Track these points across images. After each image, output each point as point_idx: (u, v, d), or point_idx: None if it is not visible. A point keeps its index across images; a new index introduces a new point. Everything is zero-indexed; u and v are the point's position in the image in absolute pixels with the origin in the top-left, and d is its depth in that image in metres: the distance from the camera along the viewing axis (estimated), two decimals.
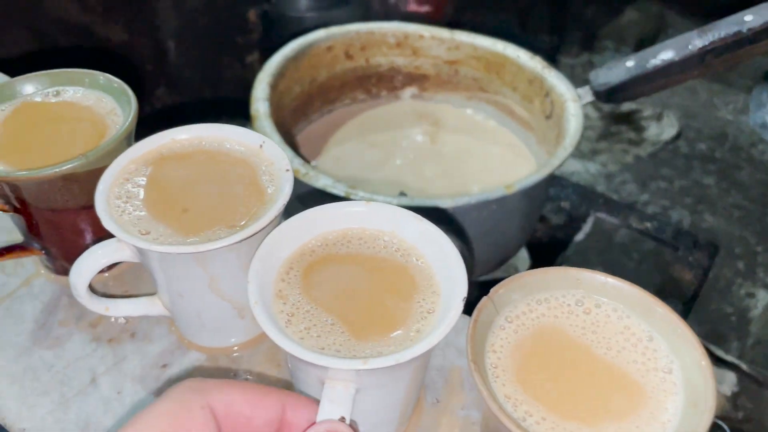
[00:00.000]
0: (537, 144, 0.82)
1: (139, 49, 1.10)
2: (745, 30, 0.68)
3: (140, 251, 0.35)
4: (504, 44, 0.83)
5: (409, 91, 0.92)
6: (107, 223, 0.33)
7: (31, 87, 0.42)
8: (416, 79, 0.91)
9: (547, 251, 0.83)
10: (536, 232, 0.83)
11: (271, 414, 0.27)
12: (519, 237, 0.78)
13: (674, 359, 0.30)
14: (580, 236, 0.82)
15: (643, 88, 0.73)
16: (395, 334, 0.30)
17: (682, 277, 0.81)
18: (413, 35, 0.87)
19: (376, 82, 0.91)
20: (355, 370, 0.28)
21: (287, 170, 0.37)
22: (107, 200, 0.35)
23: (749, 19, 0.66)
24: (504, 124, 0.87)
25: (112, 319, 0.42)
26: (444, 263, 0.32)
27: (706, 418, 0.27)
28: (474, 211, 0.67)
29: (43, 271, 0.44)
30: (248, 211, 0.35)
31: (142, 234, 0.34)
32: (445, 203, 0.65)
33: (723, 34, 0.69)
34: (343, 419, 0.28)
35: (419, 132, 0.90)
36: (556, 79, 0.77)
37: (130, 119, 0.39)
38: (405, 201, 0.66)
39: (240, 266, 0.36)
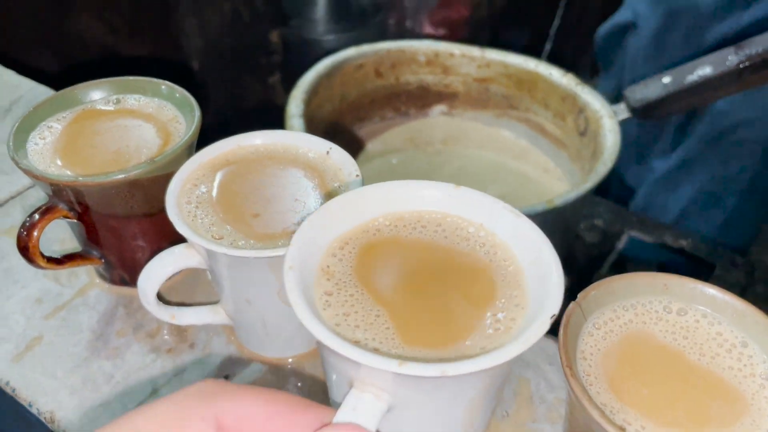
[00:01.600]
0: (570, 161, 0.82)
1: (163, 69, 1.11)
2: None
3: (211, 256, 0.34)
4: (536, 62, 0.83)
5: (438, 108, 0.92)
6: (180, 228, 0.33)
7: (91, 94, 0.42)
8: (446, 97, 0.91)
9: (581, 270, 0.82)
10: (570, 250, 0.82)
11: None
12: None
13: None
14: (614, 255, 0.81)
15: (679, 105, 0.73)
16: (454, 346, 0.24)
17: None
18: (444, 53, 0.87)
19: (405, 100, 0.92)
20: (391, 372, 0.22)
21: (357, 175, 0.36)
22: (178, 205, 0.34)
23: None
24: (535, 142, 0.87)
25: (164, 333, 0.41)
26: (539, 271, 0.27)
27: None
28: None
29: (97, 281, 0.43)
30: None
31: (216, 239, 0.33)
32: None
33: (760, 49, 0.69)
34: None
35: (447, 148, 0.90)
36: (590, 96, 0.77)
37: (194, 126, 0.39)
38: None
39: None
